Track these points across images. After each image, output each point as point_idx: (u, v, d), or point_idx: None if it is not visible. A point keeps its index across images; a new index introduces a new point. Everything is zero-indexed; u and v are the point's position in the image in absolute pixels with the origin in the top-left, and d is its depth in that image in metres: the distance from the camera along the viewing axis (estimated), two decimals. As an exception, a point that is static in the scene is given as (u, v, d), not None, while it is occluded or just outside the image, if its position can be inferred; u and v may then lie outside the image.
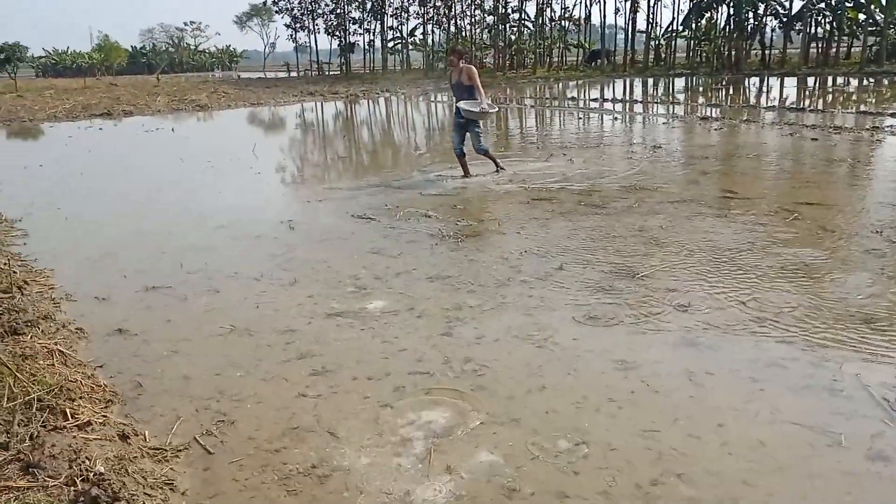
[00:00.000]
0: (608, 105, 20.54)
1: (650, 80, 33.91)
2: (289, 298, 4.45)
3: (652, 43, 45.14)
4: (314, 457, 2.68)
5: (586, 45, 50.41)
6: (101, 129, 17.53)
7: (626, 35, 46.63)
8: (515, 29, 51.87)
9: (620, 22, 62.50)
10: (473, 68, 8.21)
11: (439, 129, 16.37)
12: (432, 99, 26.89)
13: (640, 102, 21.82)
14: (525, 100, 24.11)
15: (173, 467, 2.61)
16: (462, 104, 8.09)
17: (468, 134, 8.30)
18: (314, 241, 5.88)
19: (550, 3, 49.17)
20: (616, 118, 16.62)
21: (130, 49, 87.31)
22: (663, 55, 45.54)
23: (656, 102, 21.78)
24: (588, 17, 50.07)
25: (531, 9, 52.03)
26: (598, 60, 46.67)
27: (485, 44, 53.63)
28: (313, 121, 20.59)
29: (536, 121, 17.21)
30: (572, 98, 24.50)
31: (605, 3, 46.70)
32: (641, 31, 45.91)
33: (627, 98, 23.78)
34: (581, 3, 60.49)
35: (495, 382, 3.24)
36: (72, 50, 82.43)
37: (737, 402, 3.01)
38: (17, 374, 2.99)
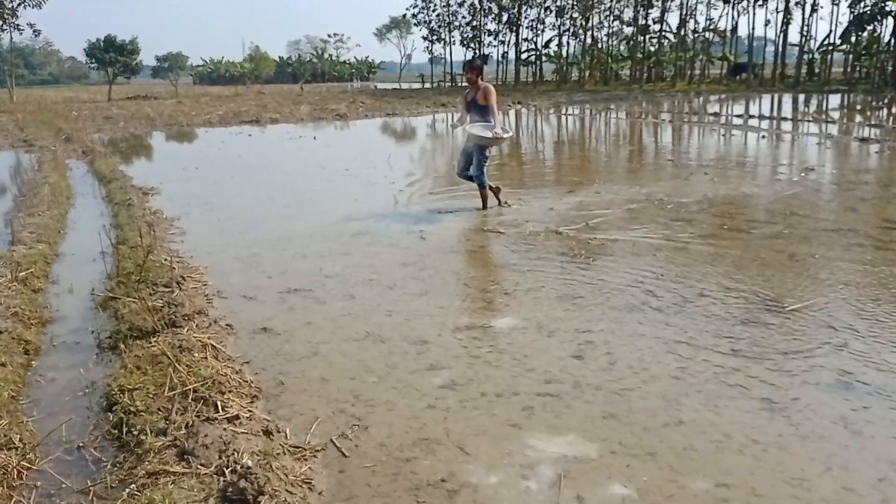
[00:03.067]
0: (753, 122, 19.41)
1: (801, 97, 31.70)
2: (420, 308, 4.54)
3: (805, 56, 42.22)
4: (444, 470, 2.70)
5: (731, 58, 47.94)
6: (249, 135, 18.80)
7: (777, 48, 43.95)
8: (655, 40, 50.31)
9: (770, 34, 58.88)
10: (492, 88, 7.39)
11: (568, 143, 16.17)
12: (564, 112, 26.64)
13: (790, 120, 20.39)
14: (662, 114, 23.30)
15: (311, 466, 2.73)
16: (471, 127, 7.33)
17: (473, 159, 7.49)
18: (445, 253, 5.97)
19: (694, 14, 47.34)
20: (762, 136, 15.64)
21: (278, 59, 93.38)
22: (817, 70, 42.49)
23: (808, 120, 20.28)
24: (734, 29, 47.73)
25: (673, 20, 50.32)
26: (744, 74, 44.25)
27: (622, 55, 52.47)
28: (443, 132, 21.01)
29: (673, 137, 16.58)
30: (714, 113, 23.37)
31: (754, 14, 44.37)
32: (794, 44, 43.15)
33: (775, 115, 22.35)
34: (727, 14, 57.55)
35: (629, 412, 3.13)
36: (226, 59, 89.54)
37: (902, 457, 2.72)
38: (177, 365, 3.25)
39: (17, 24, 39.25)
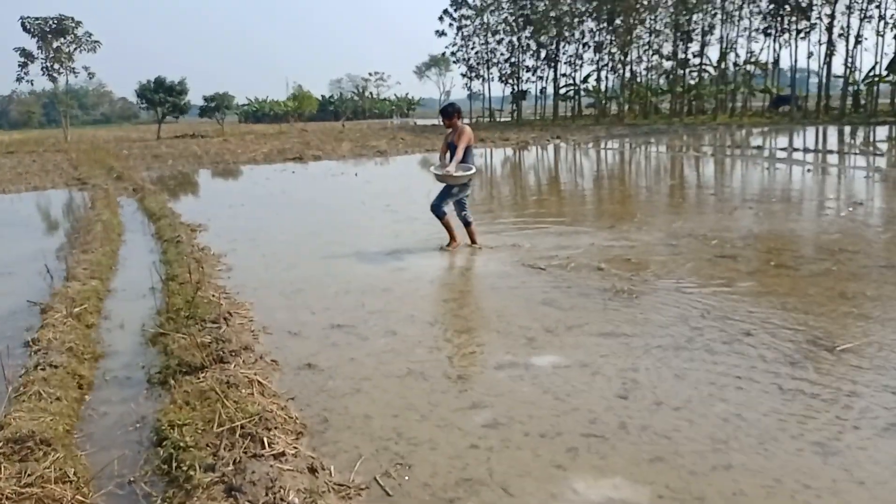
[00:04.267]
0: (798, 155, 19.10)
1: (847, 129, 31.10)
2: (462, 346, 4.55)
3: (850, 88, 41.50)
4: (487, 512, 2.68)
5: (773, 90, 47.40)
6: (293, 172, 19.27)
7: (820, 80, 43.32)
8: (695, 73, 50.08)
9: (813, 66, 58.12)
10: (467, 129, 7.50)
11: (608, 178, 16.13)
12: (603, 146, 26.62)
13: (836, 153, 19.99)
14: (703, 147, 23.10)
15: (356, 505, 2.74)
16: (435, 168, 7.60)
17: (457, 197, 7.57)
18: (485, 289, 5.98)
19: (734, 48, 47.07)
20: (808, 170, 15.36)
21: (320, 98, 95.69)
22: (863, 101, 41.67)
23: (855, 153, 19.86)
24: (776, 62, 47.28)
25: (713, 53, 50.08)
26: (787, 106, 43.67)
27: (661, 89, 52.33)
28: (482, 167, 21.16)
29: (716, 170, 16.40)
30: (757, 146, 23.07)
31: (796, 46, 43.68)
32: (838, 76, 42.48)
33: (821, 148, 21.95)
34: (769, 46, 56.95)
35: (676, 455, 3.07)
36: (270, 98, 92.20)
37: (969, 509, 2.61)
38: (225, 401, 3.32)
39: (73, 68, 41.27)
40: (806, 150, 20.48)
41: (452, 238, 7.64)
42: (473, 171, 7.46)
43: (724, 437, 3.21)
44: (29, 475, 2.74)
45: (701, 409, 3.50)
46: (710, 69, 49.92)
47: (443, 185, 7.62)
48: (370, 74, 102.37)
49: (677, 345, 4.40)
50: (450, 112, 7.57)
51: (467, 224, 7.68)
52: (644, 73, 53.66)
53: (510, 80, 57.86)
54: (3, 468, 2.77)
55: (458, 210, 7.66)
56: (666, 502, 2.71)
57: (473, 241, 7.69)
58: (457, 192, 7.54)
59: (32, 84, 47.83)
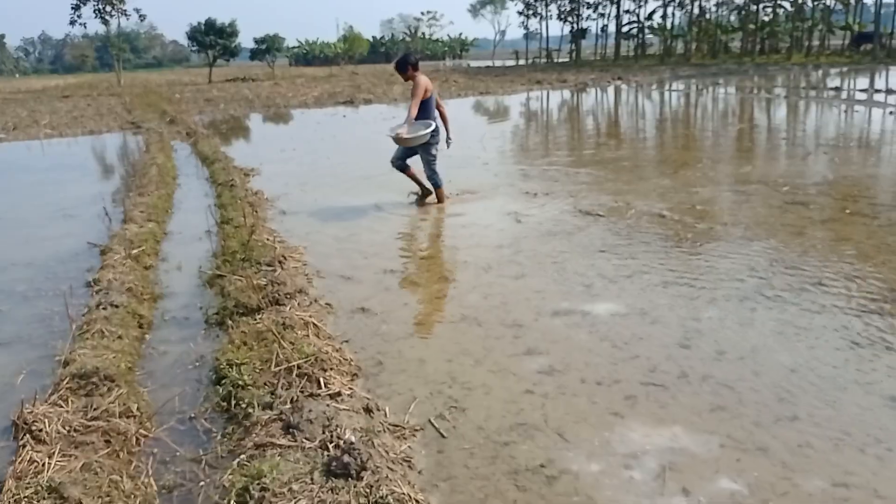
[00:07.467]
0: (879, 97, 17.90)
1: (935, 67, 28.93)
2: (517, 292, 4.48)
3: (940, 22, 38.45)
4: (542, 456, 2.65)
5: (855, 27, 44.31)
6: (344, 116, 19.19)
7: (906, 14, 40.24)
8: (769, 9, 47.14)
9: (899, -1, 53.96)
10: (422, 81, 6.68)
11: (672, 121, 15.50)
12: (668, 87, 25.58)
13: (921, 93, 18.68)
14: (776, 89, 21.92)
15: (411, 445, 2.74)
16: (390, 131, 6.86)
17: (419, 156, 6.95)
18: (541, 235, 5.85)
19: (812, -20, 44.09)
20: (890, 112, 14.39)
21: (371, 39, 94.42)
22: (954, 36, 38.60)
23: (942, 93, 18.50)
24: (857, -5, 44.09)
25: (789, -13, 46.99)
26: (869, 44, 40.85)
27: (732, 26, 49.58)
28: (538, 111, 20.65)
29: (789, 114, 15.55)
30: (835, 88, 21.74)
31: (880, -24, 40.11)
32: (927, 9, 39.35)
33: (904, 88, 20.52)
34: (849, -22, 53.07)
35: (739, 405, 2.96)
36: (320, 40, 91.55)
37: None
38: (282, 341, 3.35)
39: (125, 10, 41.64)
40: (889, 92, 19.17)
41: (422, 190, 7.17)
42: (430, 129, 6.71)
43: (791, 388, 3.07)
44: (95, 409, 2.84)
45: (767, 359, 3.36)
46: (786, 4, 46.93)
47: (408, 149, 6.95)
48: (423, 14, 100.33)
49: (743, 294, 4.21)
50: (402, 65, 6.85)
51: (437, 187, 7.04)
52: (714, 8, 50.87)
53: (569, 18, 55.66)
54: (70, 402, 2.88)
55: (426, 172, 6.98)
56: (727, 452, 2.62)
57: (440, 200, 7.08)
58: (423, 153, 6.88)
59: (85, 27, 48.54)
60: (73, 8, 41.03)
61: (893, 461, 2.53)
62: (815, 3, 45.50)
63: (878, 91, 19.38)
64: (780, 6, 47.36)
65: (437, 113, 6.98)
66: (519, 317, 4.05)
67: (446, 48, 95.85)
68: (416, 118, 6.75)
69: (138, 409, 2.98)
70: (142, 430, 2.87)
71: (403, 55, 6.97)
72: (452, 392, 3.18)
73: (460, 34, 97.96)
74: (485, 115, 19.71)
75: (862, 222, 5.69)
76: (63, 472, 2.43)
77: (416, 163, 7.14)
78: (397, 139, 6.78)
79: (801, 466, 2.52)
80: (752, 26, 46.66)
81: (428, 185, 7.16)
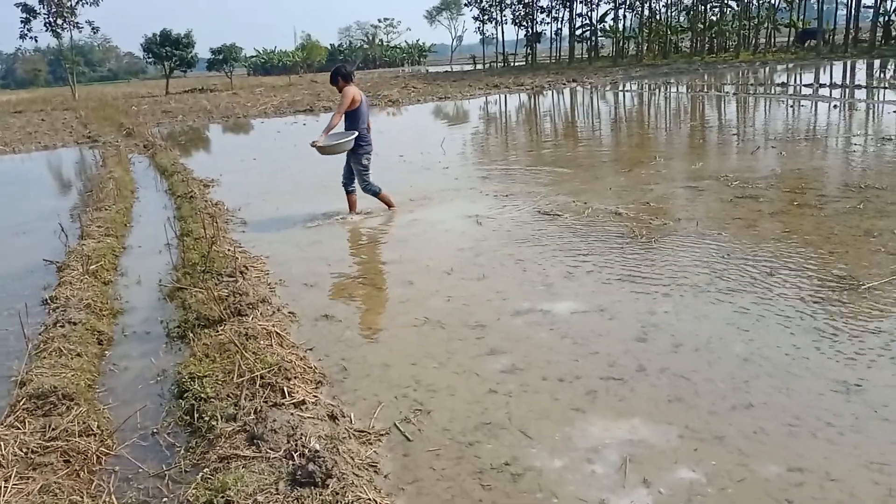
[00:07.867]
0: (824, 91, 18.50)
1: (877, 62, 29.97)
2: (479, 294, 4.52)
3: (881, 19, 39.82)
4: (507, 454, 2.69)
5: (799, 24, 45.66)
6: (304, 124, 19.05)
7: (849, 10, 41.61)
8: (716, 9, 48.27)
9: (840, -3, 55.81)
10: (349, 92, 6.67)
11: (626, 121, 15.79)
12: (621, 88, 26.02)
13: (864, 88, 19.34)
14: (725, 87, 22.48)
15: (376, 450, 2.76)
16: (319, 141, 6.70)
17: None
18: (501, 237, 5.92)
19: (758, -21, 45.25)
20: (834, 106, 14.90)
21: (329, 47, 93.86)
22: (894, 32, 40.02)
23: (884, 87, 19.20)
24: (802, -7, 45.39)
25: (736, -14, 48.09)
26: (813, 41, 42.12)
27: (681, 26, 50.64)
28: (496, 114, 20.82)
29: (738, 110, 15.97)
30: (781, 84, 22.38)
31: (822, -25, 41.23)
32: (868, 7, 40.74)
33: (848, 83, 21.25)
34: (792, -22, 54.71)
35: (695, 395, 3.05)
36: (278, 49, 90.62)
37: None
38: (244, 352, 3.33)
39: (77, 23, 40.62)
40: (833, 86, 19.84)
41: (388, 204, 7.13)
42: (348, 139, 6.67)
43: (745, 376, 3.18)
44: (53, 429, 2.79)
45: (721, 349, 3.46)
46: (733, 4, 48.13)
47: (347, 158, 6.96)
48: (380, 21, 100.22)
49: (697, 287, 4.33)
50: (333, 77, 6.89)
51: (376, 195, 7.01)
52: (663, 9, 51.87)
53: (524, 23, 56.12)
54: (27, 423, 2.82)
55: (360, 184, 6.99)
56: (685, 442, 2.70)
57: (352, 209, 7.11)
58: (354, 164, 6.89)
59: (36, 41, 47.08)
60: (22, 21, 39.92)
61: (844, 444, 2.63)
62: (761, 1, 46.77)
63: (822, 86, 20.03)
64: (728, 6, 48.55)
65: (368, 125, 6.93)
66: (481, 318, 4.10)
67: (405, 54, 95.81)
68: (346, 129, 6.78)
69: (99, 427, 2.93)
70: (103, 448, 2.83)
71: (336, 67, 6.99)
72: (417, 395, 3.21)
73: (418, 40, 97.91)
74: (444, 119, 19.77)
75: (810, 213, 5.89)
76: (20, 495, 2.39)
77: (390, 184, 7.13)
78: (315, 146, 6.72)
79: (757, 453, 2.61)
80: (700, 26, 47.72)
81: (391, 200, 7.15)
